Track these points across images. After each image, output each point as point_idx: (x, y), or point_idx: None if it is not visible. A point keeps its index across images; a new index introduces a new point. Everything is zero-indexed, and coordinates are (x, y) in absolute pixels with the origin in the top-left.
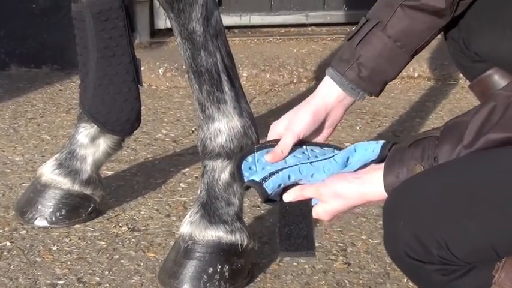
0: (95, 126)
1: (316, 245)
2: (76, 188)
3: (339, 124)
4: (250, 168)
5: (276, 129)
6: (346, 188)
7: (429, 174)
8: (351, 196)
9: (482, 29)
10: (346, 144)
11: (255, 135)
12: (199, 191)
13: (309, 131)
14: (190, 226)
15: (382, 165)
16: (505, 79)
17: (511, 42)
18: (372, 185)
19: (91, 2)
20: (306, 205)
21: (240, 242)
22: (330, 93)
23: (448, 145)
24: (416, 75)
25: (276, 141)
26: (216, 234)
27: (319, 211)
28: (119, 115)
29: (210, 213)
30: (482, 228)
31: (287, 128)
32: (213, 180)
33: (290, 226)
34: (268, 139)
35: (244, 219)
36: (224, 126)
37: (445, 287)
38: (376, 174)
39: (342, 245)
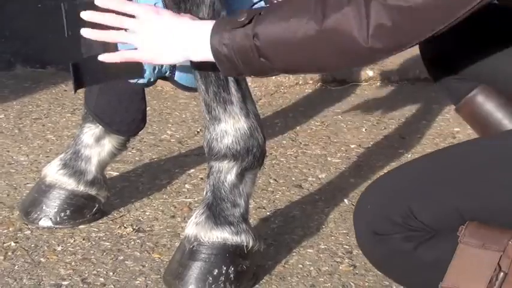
0: (100, 126)
1: (322, 247)
2: (81, 188)
3: (345, 126)
4: None
5: None
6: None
7: (392, 171)
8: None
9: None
10: (352, 146)
11: (261, 136)
12: (204, 192)
13: None
14: (195, 227)
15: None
16: (490, 97)
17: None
18: (202, 29)
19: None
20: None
21: (245, 244)
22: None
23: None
24: (422, 77)
25: None
26: (221, 235)
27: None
28: (124, 115)
29: (215, 214)
30: (447, 194)
31: None
32: (218, 182)
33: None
34: None
35: (250, 221)
36: (230, 128)
37: (412, 254)
38: (206, 24)
39: (347, 247)
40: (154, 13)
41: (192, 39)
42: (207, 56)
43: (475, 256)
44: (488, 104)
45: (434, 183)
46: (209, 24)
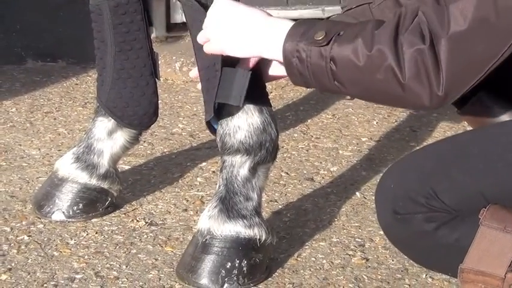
0: (112, 120)
1: (334, 240)
2: (93, 182)
3: (356, 119)
4: None
5: None
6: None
7: (416, 151)
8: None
9: None
10: (363, 139)
11: (274, 131)
12: (217, 185)
13: None
14: (208, 221)
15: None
16: (494, 99)
17: None
18: (277, 30)
19: None
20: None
21: (258, 237)
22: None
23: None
24: None
25: None
26: (234, 229)
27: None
28: (136, 109)
29: (228, 208)
30: (471, 176)
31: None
32: (231, 176)
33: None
34: None
35: (262, 214)
36: (243, 123)
37: (433, 235)
38: (284, 23)
39: (360, 240)
40: (229, 4)
41: (266, 38)
42: (279, 58)
43: (496, 239)
44: (492, 107)
45: (458, 165)
46: (285, 25)
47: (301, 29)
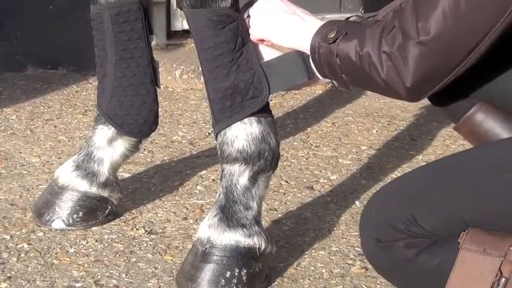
0: (113, 128)
1: (334, 249)
2: (93, 190)
3: (355, 127)
4: None
5: None
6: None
7: (395, 179)
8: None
9: None
10: (363, 148)
11: (273, 141)
12: (217, 194)
13: None
14: (208, 229)
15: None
16: (489, 113)
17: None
18: (310, 26)
19: (110, 3)
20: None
21: (258, 246)
22: None
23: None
24: None
25: None
26: (234, 237)
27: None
28: (137, 117)
29: (228, 216)
30: (449, 201)
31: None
32: (231, 184)
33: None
34: None
35: (262, 223)
36: (242, 132)
37: (415, 261)
38: (317, 23)
39: (359, 249)
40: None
41: (300, 32)
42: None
43: (477, 262)
44: (487, 121)
45: (436, 190)
46: (317, 23)
47: (324, 29)
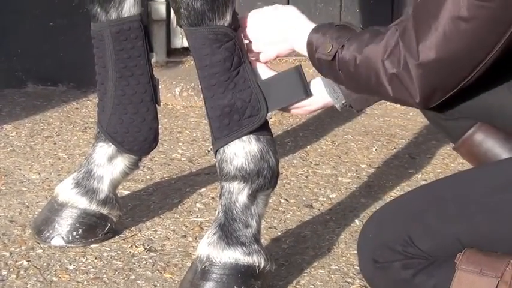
0: (113, 145)
1: (333, 267)
2: (93, 207)
3: (355, 146)
4: None
5: None
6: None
7: (392, 200)
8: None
9: None
10: (362, 166)
11: (272, 159)
12: (217, 212)
13: None
14: (207, 247)
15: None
16: (489, 133)
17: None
18: (301, 29)
19: (111, 21)
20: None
21: (257, 264)
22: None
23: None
24: None
25: None
26: (233, 255)
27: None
28: (137, 135)
29: (227, 234)
30: (446, 222)
31: None
32: (230, 202)
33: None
34: None
35: (261, 241)
36: (240, 150)
37: (411, 282)
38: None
39: (358, 268)
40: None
41: (293, 40)
42: (303, 52)
43: (473, 283)
44: (486, 141)
45: (433, 211)
46: (307, 28)
47: (315, 38)
